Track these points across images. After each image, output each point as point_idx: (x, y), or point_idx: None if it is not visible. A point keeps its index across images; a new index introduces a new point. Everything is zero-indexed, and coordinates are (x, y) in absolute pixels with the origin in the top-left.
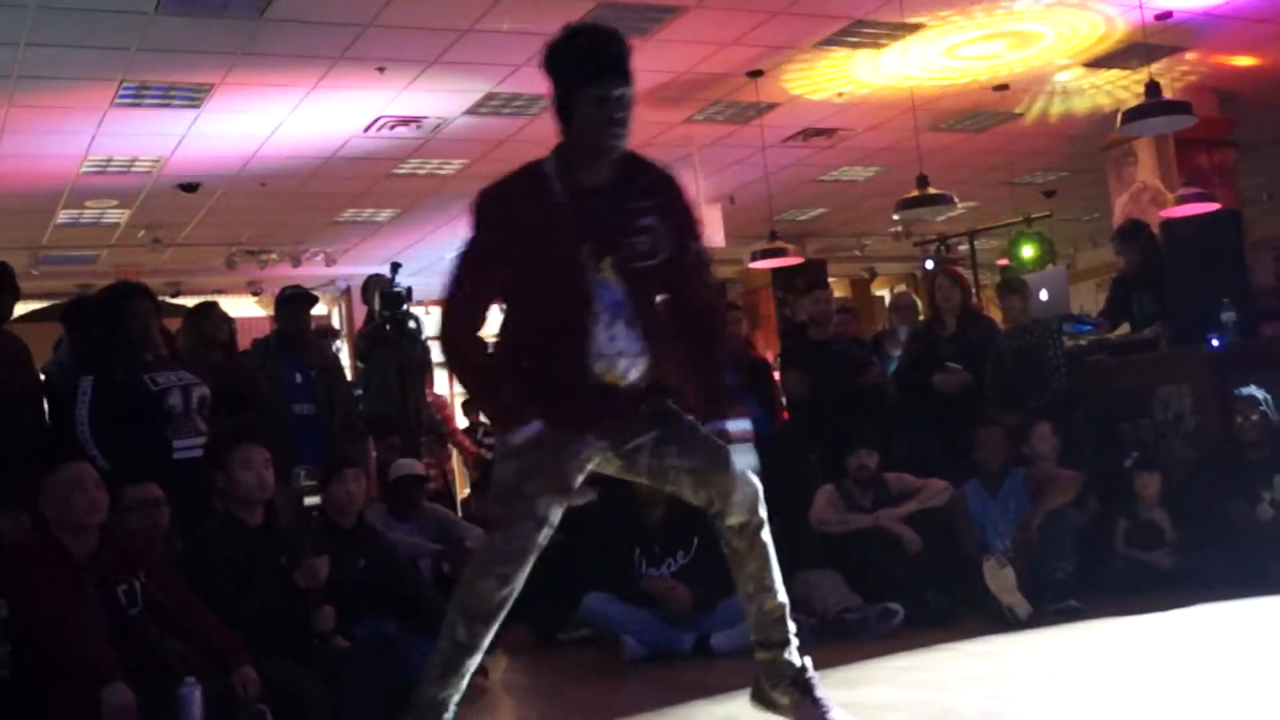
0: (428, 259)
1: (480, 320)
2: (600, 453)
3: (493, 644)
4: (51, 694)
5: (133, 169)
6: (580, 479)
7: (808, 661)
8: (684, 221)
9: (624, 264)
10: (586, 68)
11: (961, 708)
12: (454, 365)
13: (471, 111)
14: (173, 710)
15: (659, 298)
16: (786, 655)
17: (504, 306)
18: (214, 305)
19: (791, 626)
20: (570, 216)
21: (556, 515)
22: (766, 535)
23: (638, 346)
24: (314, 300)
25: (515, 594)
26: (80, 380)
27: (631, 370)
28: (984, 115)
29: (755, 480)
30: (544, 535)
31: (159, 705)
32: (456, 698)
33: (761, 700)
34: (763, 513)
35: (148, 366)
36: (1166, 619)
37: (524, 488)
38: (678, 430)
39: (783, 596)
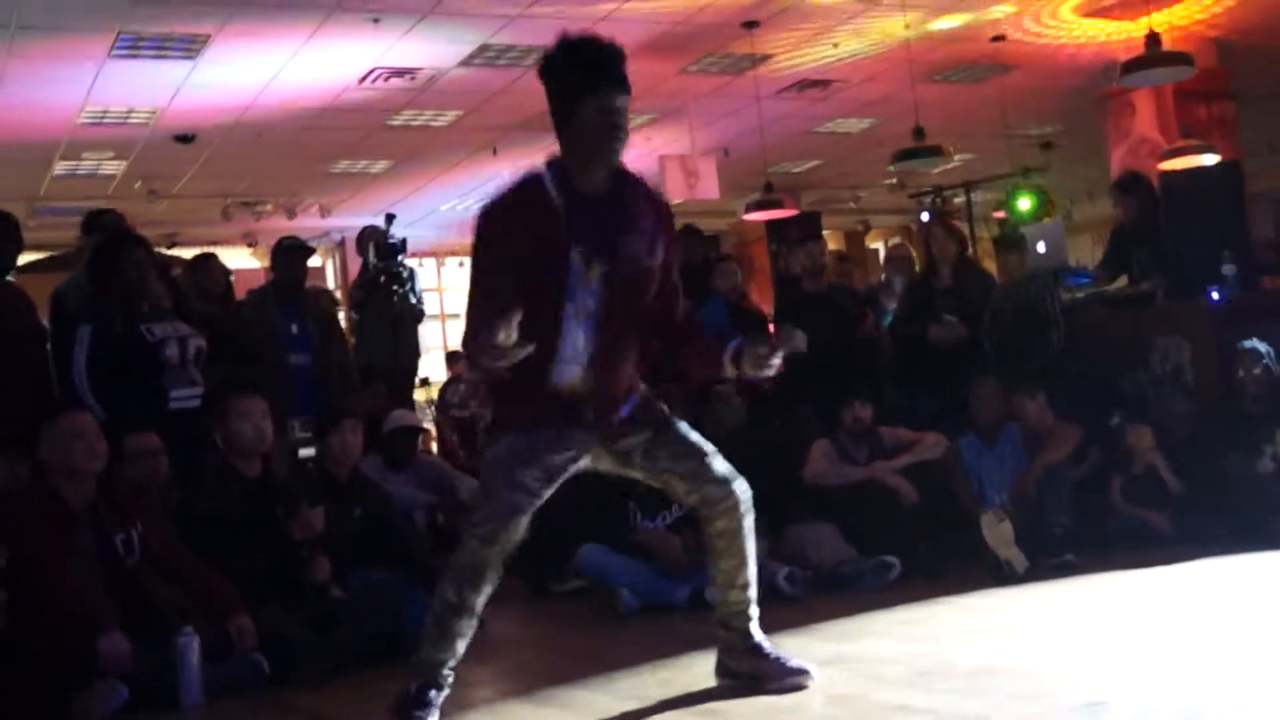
0: (422, 210)
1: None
2: (587, 446)
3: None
4: (48, 642)
5: (129, 120)
6: (571, 468)
7: (761, 636)
8: (673, 237)
9: (616, 269)
10: (589, 77)
11: (958, 661)
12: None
13: (466, 63)
14: (169, 659)
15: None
16: (744, 636)
17: None
18: (211, 257)
19: (753, 613)
20: (568, 221)
21: (546, 491)
22: (748, 538)
23: (594, 355)
24: (310, 251)
25: (502, 555)
26: (78, 329)
27: (586, 378)
28: (980, 67)
29: (742, 485)
30: (531, 504)
31: (155, 654)
32: (453, 661)
33: (724, 673)
34: (749, 518)
35: (144, 317)
36: (1164, 574)
37: (513, 465)
38: (668, 434)
39: (751, 593)
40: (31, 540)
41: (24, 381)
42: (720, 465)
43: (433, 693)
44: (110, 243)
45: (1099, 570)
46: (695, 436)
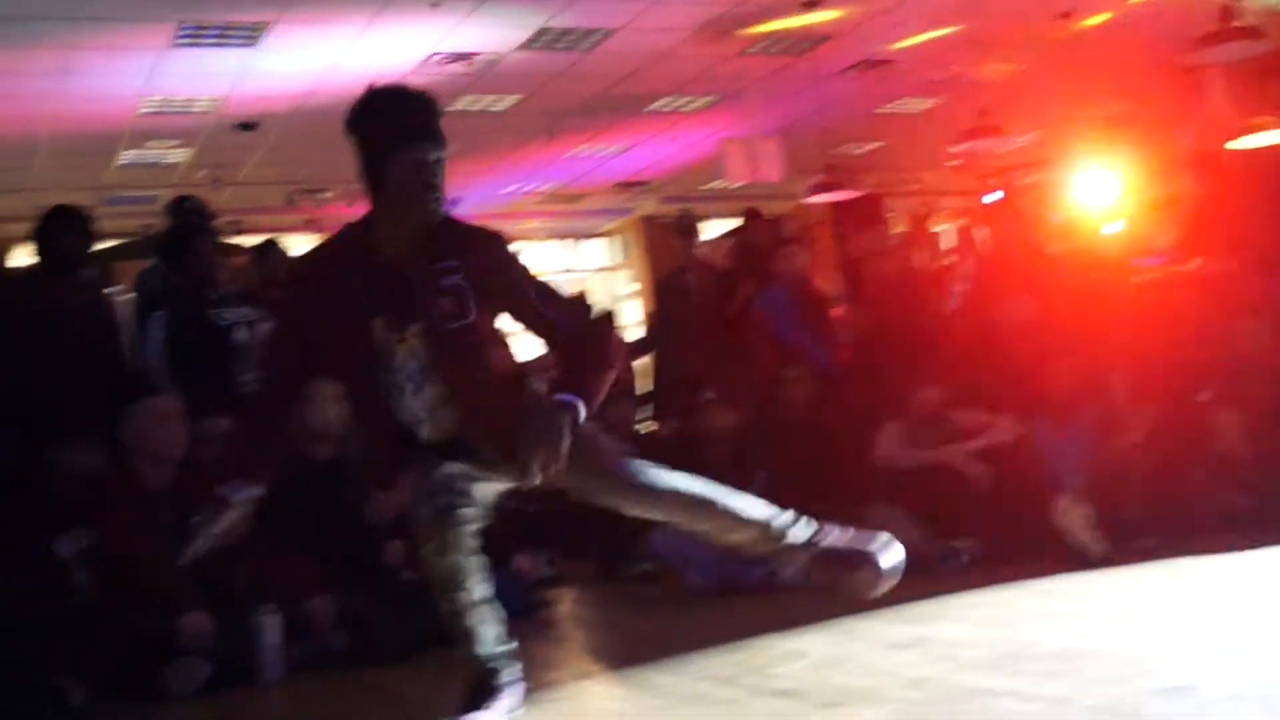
0: (480, 197)
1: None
2: (478, 469)
3: (557, 578)
4: (132, 619)
5: (191, 108)
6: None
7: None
8: (502, 274)
9: (432, 328)
10: (399, 130)
11: (1038, 645)
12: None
13: (524, 47)
14: (249, 637)
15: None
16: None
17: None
18: (274, 243)
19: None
20: (363, 292)
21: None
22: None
23: (449, 403)
24: None
25: (464, 563)
26: (150, 315)
27: (447, 424)
28: (1044, 43)
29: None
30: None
31: (235, 633)
32: (486, 649)
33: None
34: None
35: (214, 302)
36: (1245, 559)
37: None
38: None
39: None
40: (115, 521)
41: (98, 370)
42: (624, 478)
43: (495, 679)
44: (177, 231)
45: (1179, 554)
46: (601, 446)
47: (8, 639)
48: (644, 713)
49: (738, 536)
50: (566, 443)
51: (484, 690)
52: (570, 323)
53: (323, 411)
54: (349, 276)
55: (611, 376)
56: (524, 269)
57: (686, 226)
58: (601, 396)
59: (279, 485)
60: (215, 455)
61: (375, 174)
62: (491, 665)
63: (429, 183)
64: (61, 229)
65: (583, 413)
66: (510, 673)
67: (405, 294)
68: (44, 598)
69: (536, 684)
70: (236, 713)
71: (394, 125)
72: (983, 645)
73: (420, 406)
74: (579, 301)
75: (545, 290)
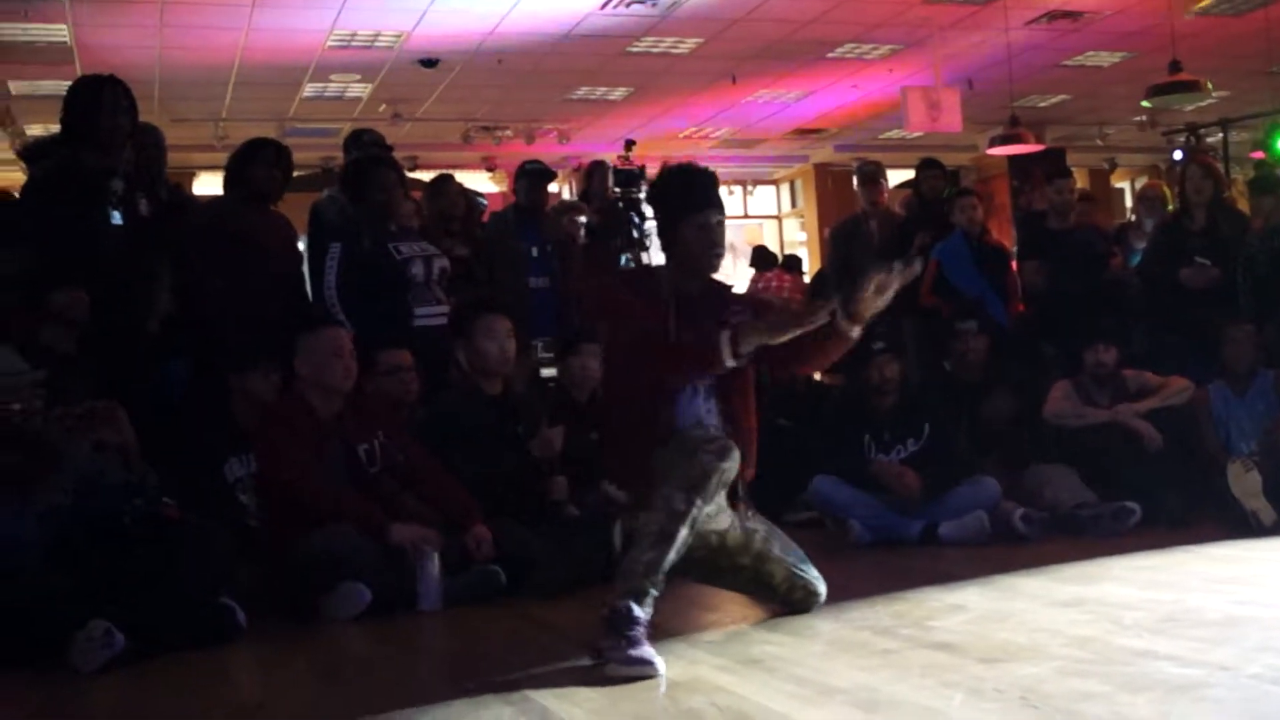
0: (659, 138)
1: None
2: None
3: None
4: (298, 546)
5: (375, 44)
6: None
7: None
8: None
9: None
10: (689, 199)
11: (1205, 610)
12: None
13: None
14: (410, 567)
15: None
16: None
17: None
18: (449, 178)
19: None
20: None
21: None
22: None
23: (721, 420)
24: (553, 175)
25: (731, 473)
26: (330, 246)
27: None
28: None
29: None
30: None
31: (397, 561)
32: (661, 575)
33: None
34: None
35: (392, 236)
36: None
37: None
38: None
39: None
40: (283, 448)
41: (281, 299)
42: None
43: (641, 609)
44: (361, 163)
45: None
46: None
47: (178, 561)
48: (804, 657)
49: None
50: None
51: (629, 618)
52: None
53: (498, 347)
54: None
55: None
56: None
57: (870, 174)
58: None
59: (450, 413)
60: (393, 387)
61: (668, 234)
62: (653, 590)
63: (713, 240)
64: (260, 162)
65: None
66: (651, 607)
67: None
68: (213, 518)
69: (697, 625)
70: (396, 639)
71: (682, 194)
72: (1146, 608)
73: (703, 410)
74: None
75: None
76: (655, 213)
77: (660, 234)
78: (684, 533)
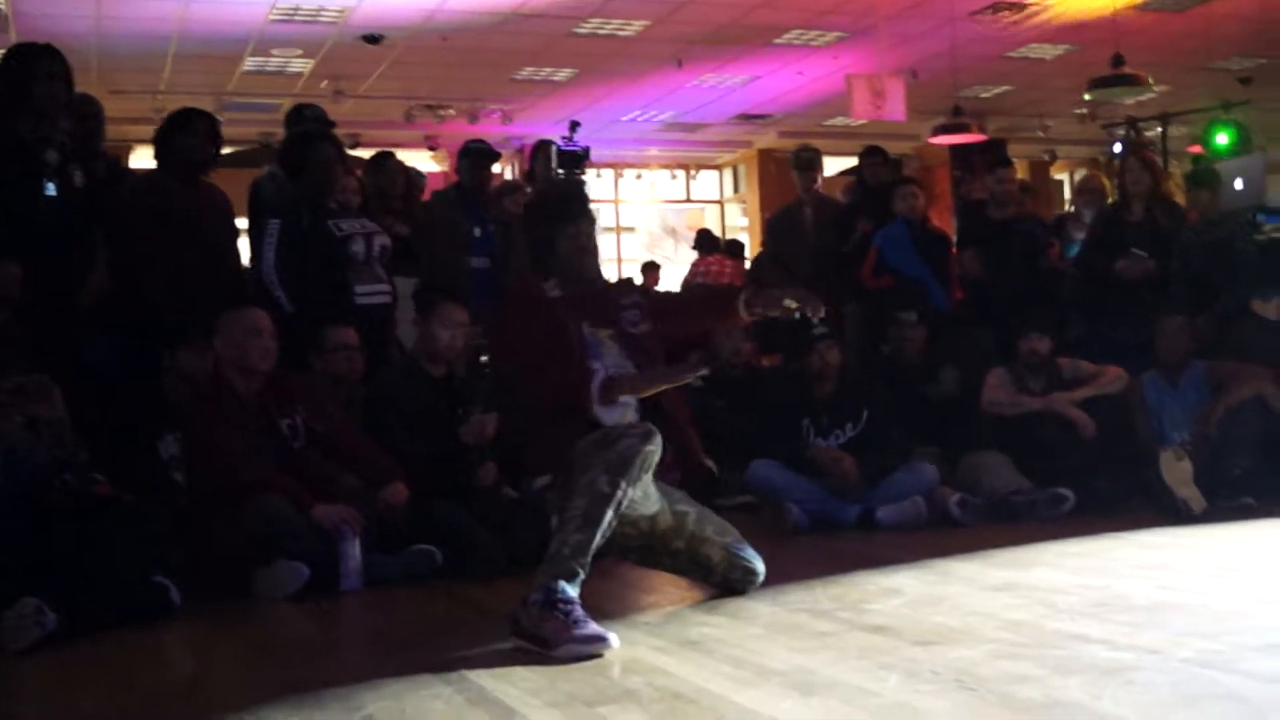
0: (602, 122)
1: None
2: None
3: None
4: (230, 522)
5: (319, 18)
6: None
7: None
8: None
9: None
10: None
11: (1133, 595)
12: None
13: None
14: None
15: None
16: None
17: None
18: (390, 156)
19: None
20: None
21: None
22: None
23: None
24: (497, 156)
25: (653, 457)
26: (268, 223)
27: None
28: None
29: None
30: None
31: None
32: (588, 557)
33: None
34: None
35: (332, 213)
36: None
37: None
38: None
39: None
40: (208, 427)
41: (218, 275)
42: None
43: (572, 589)
44: (301, 137)
45: (1278, 514)
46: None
47: (110, 538)
48: (742, 639)
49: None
50: None
51: (561, 597)
52: None
53: (449, 335)
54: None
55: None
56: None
57: (807, 160)
58: None
59: (390, 394)
60: (339, 365)
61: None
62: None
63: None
64: (189, 132)
65: None
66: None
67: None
68: (145, 497)
69: (635, 607)
70: (330, 618)
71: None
72: (1078, 593)
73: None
74: None
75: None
76: (533, 231)
77: (538, 250)
78: (610, 515)
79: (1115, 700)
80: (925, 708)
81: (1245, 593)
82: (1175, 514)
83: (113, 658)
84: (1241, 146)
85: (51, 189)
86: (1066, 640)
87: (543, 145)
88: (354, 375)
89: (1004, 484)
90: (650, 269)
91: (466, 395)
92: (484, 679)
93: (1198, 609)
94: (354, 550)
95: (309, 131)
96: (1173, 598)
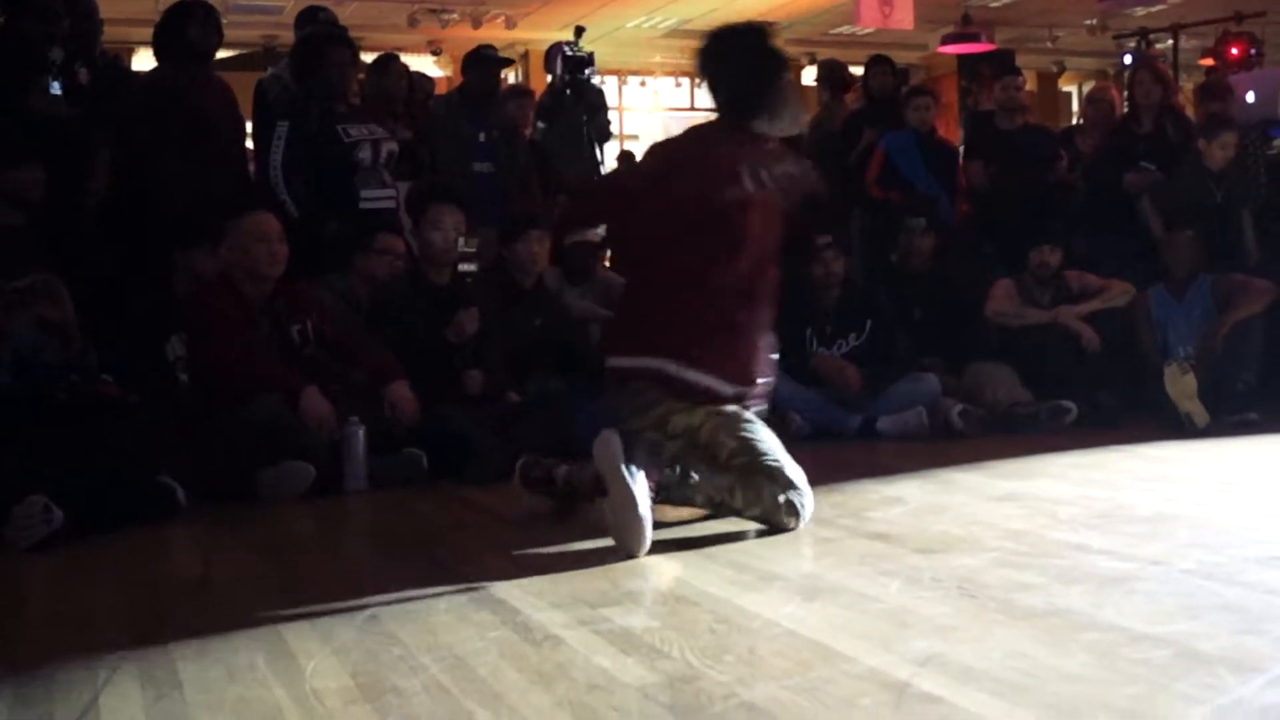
0: (606, 28)
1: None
2: None
3: None
4: (235, 423)
5: None
6: None
7: None
8: None
9: None
10: None
11: (1136, 507)
12: None
13: None
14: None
15: None
16: None
17: None
18: (393, 58)
19: None
20: None
21: None
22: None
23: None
24: (507, 63)
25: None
26: (277, 125)
27: None
28: None
29: None
30: None
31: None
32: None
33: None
34: None
35: (341, 117)
36: None
37: None
38: None
39: None
40: (209, 329)
41: (226, 173)
42: None
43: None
44: (316, 38)
45: None
46: None
47: (117, 439)
48: (745, 545)
49: None
50: None
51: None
52: None
53: (443, 237)
54: None
55: None
56: None
57: (839, 79)
58: None
59: (389, 300)
60: (376, 266)
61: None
62: None
63: None
64: (193, 20)
65: None
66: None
67: None
68: (152, 399)
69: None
70: (335, 519)
71: None
72: (1080, 504)
73: None
74: None
75: None
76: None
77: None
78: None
79: (1117, 609)
80: (927, 613)
81: (1248, 506)
82: (1179, 428)
83: (119, 557)
84: (1254, 59)
85: (56, 88)
86: (1069, 550)
87: (554, 49)
88: (391, 279)
89: (1007, 395)
90: None
91: (471, 301)
92: (488, 580)
93: (1200, 522)
94: (359, 449)
95: (325, 32)
96: (1174, 510)
